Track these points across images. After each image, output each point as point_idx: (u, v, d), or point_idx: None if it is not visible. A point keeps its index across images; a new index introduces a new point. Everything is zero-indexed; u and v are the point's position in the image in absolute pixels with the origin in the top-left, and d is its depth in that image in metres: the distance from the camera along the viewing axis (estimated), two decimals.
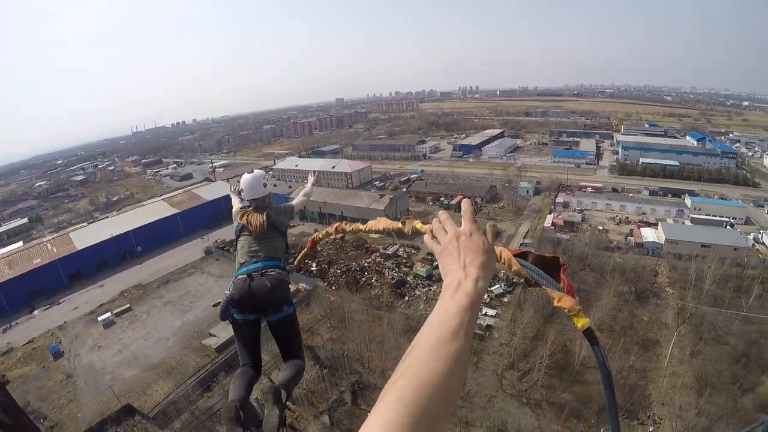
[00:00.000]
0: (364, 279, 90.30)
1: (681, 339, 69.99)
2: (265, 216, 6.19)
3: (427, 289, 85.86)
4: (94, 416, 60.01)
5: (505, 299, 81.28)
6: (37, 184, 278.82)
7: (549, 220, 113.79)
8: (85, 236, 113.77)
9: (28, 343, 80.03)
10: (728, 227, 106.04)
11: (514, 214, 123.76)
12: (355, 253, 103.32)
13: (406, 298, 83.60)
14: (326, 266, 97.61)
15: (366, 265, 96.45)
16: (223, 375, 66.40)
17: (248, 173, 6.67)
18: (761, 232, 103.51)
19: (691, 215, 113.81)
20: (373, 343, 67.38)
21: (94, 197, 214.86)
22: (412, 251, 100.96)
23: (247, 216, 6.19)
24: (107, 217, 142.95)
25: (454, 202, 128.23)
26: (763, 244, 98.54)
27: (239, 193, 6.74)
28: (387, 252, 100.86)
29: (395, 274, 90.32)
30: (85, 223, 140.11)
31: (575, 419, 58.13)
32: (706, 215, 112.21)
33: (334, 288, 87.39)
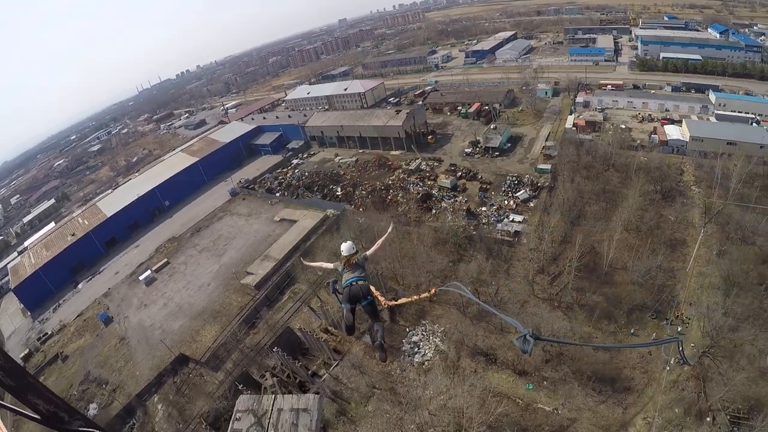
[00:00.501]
0: (389, 197, 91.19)
1: (708, 239, 70.36)
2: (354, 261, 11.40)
3: (452, 200, 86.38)
4: (152, 371, 64.20)
5: (531, 204, 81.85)
6: (57, 164, 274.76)
7: (570, 121, 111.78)
8: (113, 202, 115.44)
9: (78, 316, 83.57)
10: (754, 124, 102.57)
11: (534, 117, 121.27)
12: (378, 173, 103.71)
13: (433, 211, 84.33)
14: (351, 189, 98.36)
15: (390, 183, 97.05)
16: (265, 311, 69.93)
17: (344, 243, 11.79)
18: None
19: (715, 112, 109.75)
20: (405, 259, 69.04)
21: (114, 163, 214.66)
22: (435, 164, 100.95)
23: (347, 262, 11.33)
24: (130, 179, 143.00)
25: (471, 110, 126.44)
26: None
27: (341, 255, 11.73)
28: (410, 167, 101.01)
29: (420, 189, 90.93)
30: (110, 190, 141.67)
31: (606, 320, 60.42)
32: (731, 111, 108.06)
33: (361, 209, 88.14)
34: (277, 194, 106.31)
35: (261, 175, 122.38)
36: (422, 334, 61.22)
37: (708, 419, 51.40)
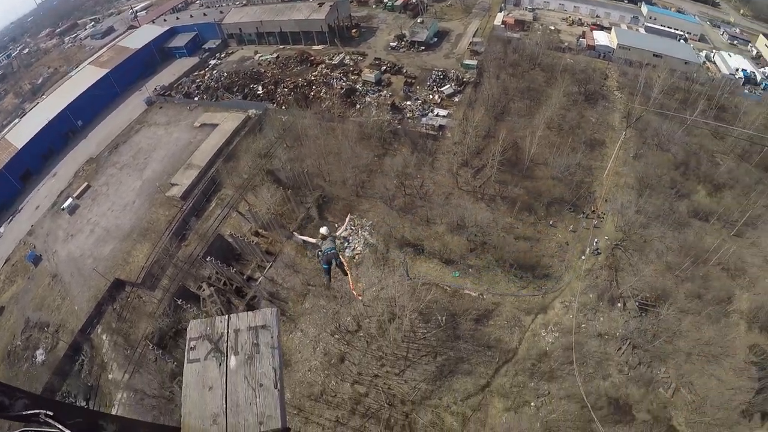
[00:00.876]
0: (312, 93, 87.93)
1: (626, 142, 74.97)
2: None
3: (377, 94, 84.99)
4: (90, 303, 60.84)
5: (456, 99, 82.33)
6: None
7: (499, 18, 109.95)
8: (22, 132, 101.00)
9: (5, 263, 75.55)
10: (682, 41, 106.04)
11: (463, 13, 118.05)
12: (300, 69, 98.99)
13: (357, 106, 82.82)
14: (273, 87, 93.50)
15: (313, 79, 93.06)
16: (194, 221, 67.52)
17: (323, 227, 18.20)
18: (713, 51, 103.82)
19: (645, 24, 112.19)
20: (330, 155, 68.42)
21: (18, 89, 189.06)
22: (359, 58, 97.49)
23: (324, 237, 17.47)
24: (37, 103, 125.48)
25: (398, 3, 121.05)
26: (714, 63, 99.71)
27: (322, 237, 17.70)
28: (333, 62, 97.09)
29: (344, 84, 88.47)
30: (17, 120, 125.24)
31: (526, 212, 64.28)
32: (661, 26, 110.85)
33: (284, 107, 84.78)
34: (196, 99, 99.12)
35: (177, 80, 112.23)
36: (351, 229, 62.37)
37: (619, 305, 57.70)
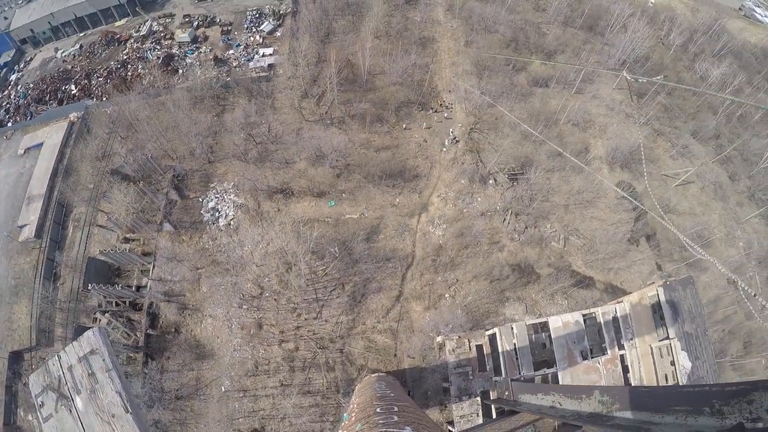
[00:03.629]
0: (130, 73, 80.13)
1: (454, 32, 76.85)
2: None
3: (196, 53, 79.54)
4: None
5: (278, 34, 79.15)
6: None
7: None
8: None
9: None
10: None
11: None
12: (109, 51, 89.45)
13: (180, 71, 77.05)
14: (86, 81, 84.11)
15: (126, 57, 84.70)
16: (58, 254, 60.07)
17: None
18: None
19: None
20: (169, 131, 63.86)
21: None
22: (168, 21, 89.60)
23: None
24: None
25: None
26: None
27: None
28: (141, 33, 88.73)
29: (159, 53, 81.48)
30: None
31: (378, 123, 64.51)
32: None
33: (105, 98, 76.12)
34: (9, 124, 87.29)
35: None
36: (216, 197, 59.28)
37: (491, 182, 60.64)
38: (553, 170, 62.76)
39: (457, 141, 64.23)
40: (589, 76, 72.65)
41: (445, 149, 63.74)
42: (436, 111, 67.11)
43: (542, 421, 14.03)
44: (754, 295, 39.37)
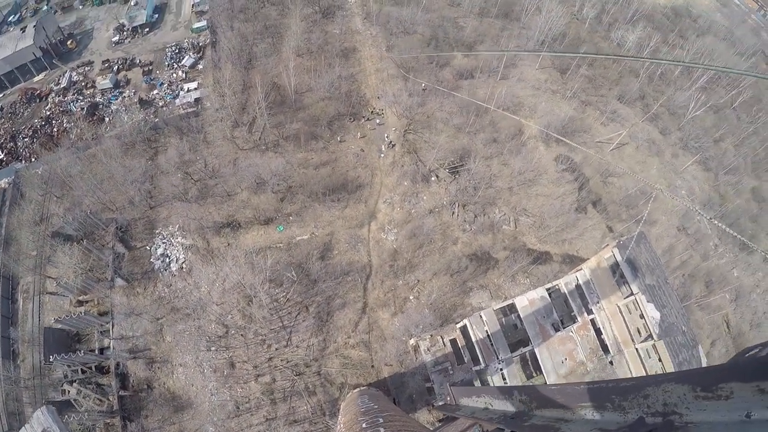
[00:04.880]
0: (56, 129, 78.02)
1: (374, 39, 78.01)
2: None
3: (120, 98, 77.48)
4: None
5: (200, 66, 78.18)
6: None
7: None
8: None
9: None
10: None
11: None
12: (31, 109, 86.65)
13: (107, 119, 74.92)
14: (12, 144, 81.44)
15: (49, 113, 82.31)
16: (13, 330, 57.78)
17: None
18: None
19: None
20: (104, 182, 62.41)
21: None
22: (87, 69, 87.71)
23: None
24: None
25: None
26: None
27: None
28: (62, 85, 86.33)
29: (83, 103, 79.37)
30: None
31: (313, 140, 64.66)
32: None
33: (34, 159, 73.81)
34: None
35: None
36: (163, 243, 58.20)
37: (433, 179, 61.48)
38: (492, 156, 64.16)
39: (394, 145, 64.99)
40: (510, 61, 74.59)
41: (383, 155, 64.45)
42: (368, 119, 67.82)
43: None
44: (709, 218, 41.43)
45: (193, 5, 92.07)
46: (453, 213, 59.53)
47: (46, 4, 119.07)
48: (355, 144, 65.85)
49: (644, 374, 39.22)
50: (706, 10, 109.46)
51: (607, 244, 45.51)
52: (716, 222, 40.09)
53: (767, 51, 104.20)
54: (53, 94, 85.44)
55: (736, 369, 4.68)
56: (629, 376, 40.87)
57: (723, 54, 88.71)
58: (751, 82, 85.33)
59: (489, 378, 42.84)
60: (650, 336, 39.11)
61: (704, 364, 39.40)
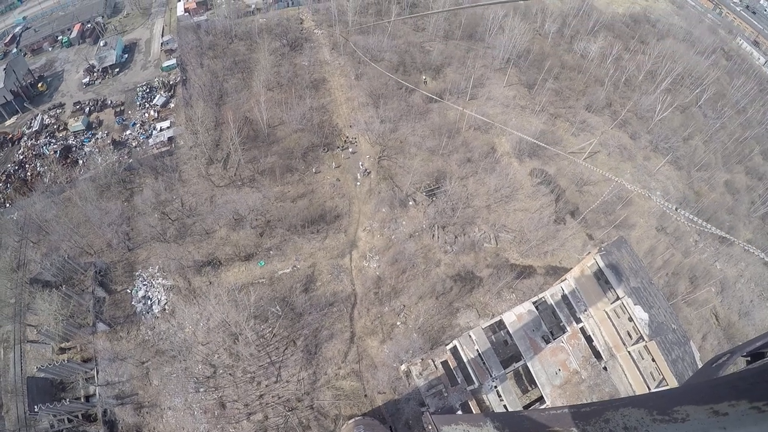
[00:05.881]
0: (29, 173, 76.97)
1: (343, 68, 79.28)
2: None
3: (93, 140, 77.17)
4: None
5: (172, 105, 78.36)
6: None
7: (180, 8, 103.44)
8: None
9: None
10: None
11: (143, 17, 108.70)
12: (2, 154, 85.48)
13: (80, 162, 74.55)
14: None
15: (22, 157, 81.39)
16: None
17: None
18: None
19: None
20: (81, 226, 61.79)
21: None
22: (59, 111, 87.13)
23: None
24: None
25: (74, 35, 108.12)
26: None
27: None
28: (34, 129, 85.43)
29: (55, 146, 78.63)
30: None
31: (288, 173, 65.13)
32: None
33: (8, 204, 72.94)
34: None
35: None
36: (144, 285, 57.68)
37: (411, 203, 62.07)
38: (467, 176, 65.06)
39: (369, 172, 65.66)
40: (479, 81, 76.12)
41: (359, 183, 65.06)
42: (342, 148, 68.44)
43: None
44: (676, 209, 42.11)
45: (162, 44, 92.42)
46: (433, 236, 60.00)
47: (16, 47, 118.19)
48: (331, 174, 66.39)
49: (639, 377, 39.86)
50: (664, 14, 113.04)
51: (589, 252, 46.19)
52: (692, 217, 40.76)
53: (726, 47, 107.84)
54: (25, 138, 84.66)
55: (690, 391, 4.77)
56: (624, 380, 41.44)
57: (684, 54, 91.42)
58: (714, 79, 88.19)
59: (485, 397, 43.04)
60: (641, 338, 39.61)
61: (697, 359, 40.11)
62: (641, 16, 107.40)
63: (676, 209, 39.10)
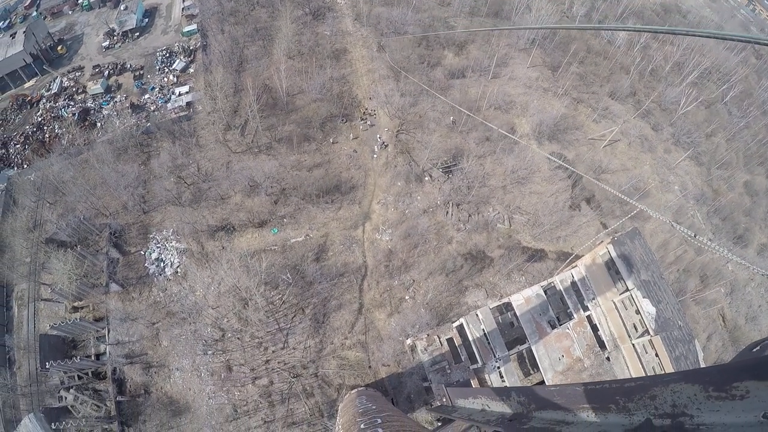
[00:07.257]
0: (48, 135, 77.66)
1: (365, 40, 77.97)
2: None
3: (112, 103, 77.22)
4: None
5: (191, 70, 78.01)
6: None
7: None
8: None
9: None
10: None
11: None
12: (22, 115, 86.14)
13: (98, 124, 74.72)
14: (3, 150, 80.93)
15: (41, 119, 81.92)
16: (9, 337, 57.53)
17: None
18: None
19: None
20: (97, 188, 62.16)
21: None
22: (78, 74, 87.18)
23: None
24: None
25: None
26: None
27: None
28: (53, 91, 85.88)
29: (74, 109, 79.01)
30: None
31: (306, 142, 64.65)
32: None
33: (26, 165, 73.64)
34: None
35: None
36: (158, 248, 58.02)
37: (426, 178, 61.44)
38: (485, 155, 64.30)
39: (386, 145, 65.09)
40: (502, 60, 74.80)
41: (375, 156, 64.53)
42: (360, 120, 67.76)
43: None
44: (695, 236, 41.28)
45: (183, 9, 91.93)
46: (447, 212, 59.62)
47: (36, 10, 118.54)
48: (348, 145, 65.96)
49: (641, 370, 39.52)
50: (696, 6, 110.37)
51: (602, 241, 45.66)
52: (709, 243, 40.05)
53: (757, 46, 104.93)
54: (44, 100, 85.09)
55: (752, 366, 4.41)
56: (626, 371, 41.13)
57: (713, 49, 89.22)
58: (742, 77, 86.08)
59: (486, 376, 42.91)
60: (646, 331, 39.18)
61: (701, 359, 39.50)
62: (672, 6, 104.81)
63: (695, 236, 38.54)
